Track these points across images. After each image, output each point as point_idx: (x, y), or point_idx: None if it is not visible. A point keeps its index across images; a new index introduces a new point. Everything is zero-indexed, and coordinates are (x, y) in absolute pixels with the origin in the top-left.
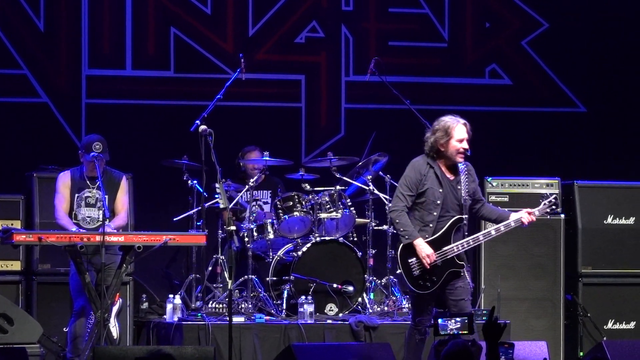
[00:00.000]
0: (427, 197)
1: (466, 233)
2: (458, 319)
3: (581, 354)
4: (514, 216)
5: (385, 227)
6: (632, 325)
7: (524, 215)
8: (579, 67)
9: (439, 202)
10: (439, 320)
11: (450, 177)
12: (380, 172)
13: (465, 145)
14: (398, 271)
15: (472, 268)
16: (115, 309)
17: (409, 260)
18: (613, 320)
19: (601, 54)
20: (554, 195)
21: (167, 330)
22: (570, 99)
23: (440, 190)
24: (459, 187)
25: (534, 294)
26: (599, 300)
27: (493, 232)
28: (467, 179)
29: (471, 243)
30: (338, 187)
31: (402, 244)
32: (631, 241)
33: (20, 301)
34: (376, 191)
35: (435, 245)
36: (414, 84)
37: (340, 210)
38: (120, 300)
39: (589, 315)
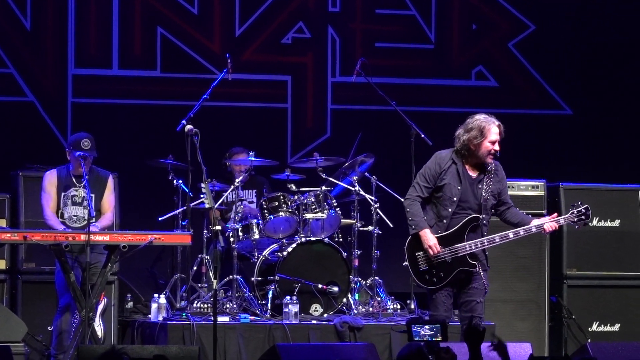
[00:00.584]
0: (444, 193)
1: (485, 233)
2: (431, 326)
3: None
4: (535, 222)
5: (370, 227)
6: (616, 327)
7: (546, 223)
8: (565, 70)
9: (455, 199)
10: (412, 327)
11: (474, 175)
12: (366, 173)
13: (497, 147)
14: (405, 263)
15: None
16: (100, 308)
17: (417, 254)
18: (598, 322)
19: (587, 56)
20: (585, 206)
21: (152, 330)
22: (557, 101)
23: (459, 187)
24: (480, 186)
25: (519, 295)
26: (583, 302)
27: (511, 235)
28: (492, 179)
29: (485, 243)
30: (324, 187)
31: (410, 235)
32: (616, 243)
33: (5, 300)
34: (362, 192)
35: (447, 241)
36: (400, 85)
37: (325, 211)
38: (105, 299)
39: (573, 317)
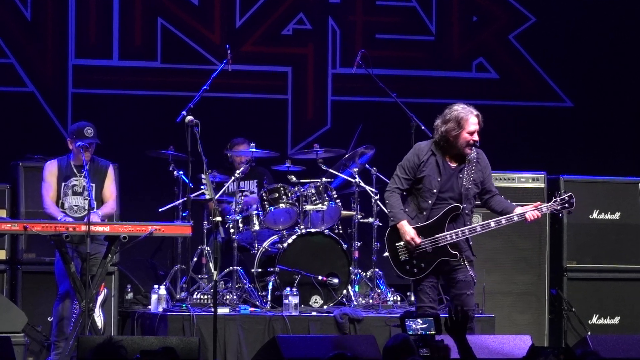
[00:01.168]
0: (424, 185)
1: (467, 223)
2: (424, 320)
3: None
4: (518, 210)
5: (371, 219)
6: (616, 320)
7: (528, 211)
8: (565, 62)
9: (434, 190)
10: (405, 321)
11: (454, 165)
12: (367, 165)
13: (475, 137)
14: (385, 254)
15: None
16: (100, 298)
17: (396, 244)
18: (597, 315)
19: (588, 48)
20: (569, 194)
21: (152, 321)
22: (557, 93)
23: (439, 179)
24: (460, 175)
25: (519, 288)
26: (583, 294)
27: (493, 224)
28: (474, 167)
29: (467, 233)
30: (324, 179)
31: (389, 227)
32: (616, 236)
33: (5, 290)
34: (362, 184)
35: (427, 231)
36: (400, 77)
37: (326, 203)
38: (105, 290)
39: (573, 309)
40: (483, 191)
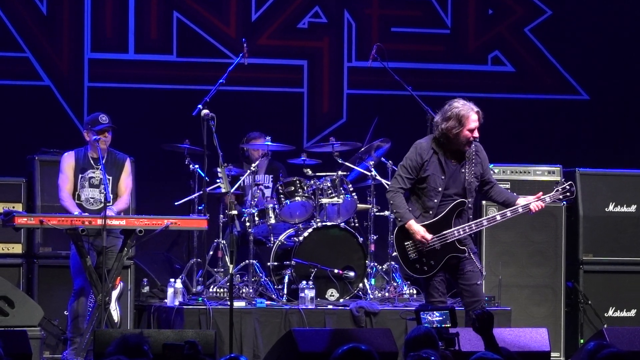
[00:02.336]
0: (429, 184)
1: (470, 217)
2: (440, 313)
3: (581, 340)
4: (521, 201)
5: (386, 212)
6: (632, 312)
7: (532, 202)
8: (582, 55)
9: (440, 189)
10: (421, 314)
11: (455, 161)
12: (383, 158)
13: (476, 134)
14: (394, 254)
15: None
16: (116, 292)
17: (405, 243)
18: (614, 308)
19: (604, 41)
20: (569, 182)
21: (168, 314)
22: (573, 86)
23: (443, 177)
24: (463, 170)
25: (535, 281)
26: (599, 287)
27: (498, 218)
28: (474, 161)
29: (474, 228)
30: (340, 172)
31: (397, 227)
32: (632, 229)
33: (22, 284)
34: (378, 177)
35: (435, 228)
36: (416, 70)
37: (341, 196)
38: (122, 284)
39: (589, 302)
40: (483, 183)
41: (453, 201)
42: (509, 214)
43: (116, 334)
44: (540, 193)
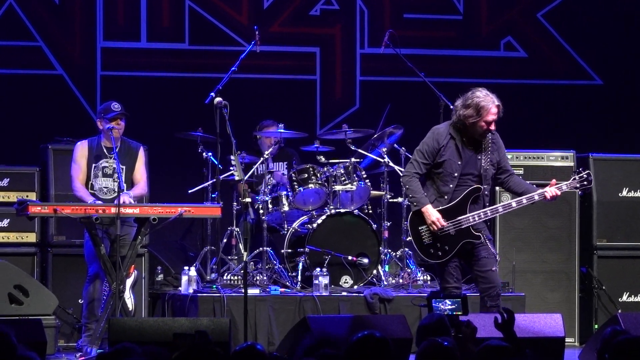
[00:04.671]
0: (445, 169)
1: (487, 204)
2: (452, 301)
3: (596, 326)
4: (538, 190)
5: (400, 199)
6: None
7: (548, 189)
8: (595, 40)
9: (456, 174)
10: (433, 302)
11: (472, 147)
12: (396, 145)
13: (492, 127)
14: (408, 238)
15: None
16: (130, 280)
17: (420, 228)
18: (628, 293)
19: (617, 26)
20: (587, 172)
21: (182, 302)
22: (586, 71)
23: (459, 162)
24: (479, 157)
25: (549, 266)
26: (613, 272)
27: (514, 204)
28: (490, 148)
29: (489, 214)
30: (353, 159)
31: (412, 211)
32: None
33: (36, 273)
34: (391, 163)
35: (449, 214)
36: (428, 56)
37: (355, 183)
38: (136, 272)
39: (603, 287)
40: (500, 171)
41: (468, 187)
42: (524, 201)
43: (131, 323)
44: (554, 180)
